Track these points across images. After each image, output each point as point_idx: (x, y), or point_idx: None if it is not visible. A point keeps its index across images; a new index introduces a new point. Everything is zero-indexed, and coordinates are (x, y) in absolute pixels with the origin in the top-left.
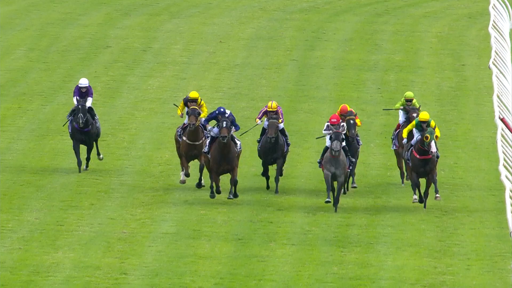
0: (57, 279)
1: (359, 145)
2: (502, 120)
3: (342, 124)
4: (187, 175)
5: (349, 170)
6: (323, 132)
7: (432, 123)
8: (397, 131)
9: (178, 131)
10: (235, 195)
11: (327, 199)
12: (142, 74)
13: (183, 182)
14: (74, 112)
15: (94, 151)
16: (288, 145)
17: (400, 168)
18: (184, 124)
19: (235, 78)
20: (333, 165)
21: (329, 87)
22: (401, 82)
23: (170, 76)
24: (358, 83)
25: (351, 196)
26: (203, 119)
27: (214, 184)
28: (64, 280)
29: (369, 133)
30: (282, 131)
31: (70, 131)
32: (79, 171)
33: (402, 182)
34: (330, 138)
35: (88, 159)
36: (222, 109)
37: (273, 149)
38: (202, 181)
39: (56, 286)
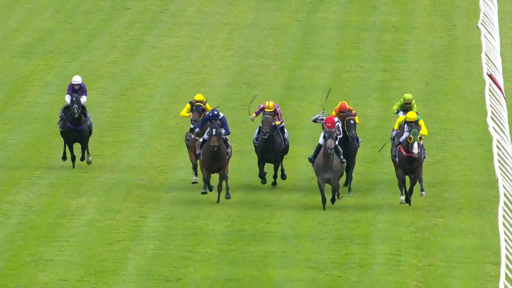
0: (81, 222)
1: (358, 143)
2: (490, 76)
3: (337, 124)
4: (197, 182)
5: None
6: (316, 118)
7: (421, 122)
8: (397, 131)
9: (187, 136)
10: (225, 178)
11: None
12: (159, 34)
13: (197, 181)
14: (67, 109)
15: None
16: (286, 143)
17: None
18: (190, 127)
19: (245, 37)
20: (326, 171)
21: (330, 46)
22: (396, 41)
23: (185, 35)
24: (358, 42)
25: None
26: (199, 122)
27: (206, 179)
28: (87, 222)
29: (367, 88)
30: (282, 130)
31: (61, 128)
32: (73, 166)
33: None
34: (324, 137)
35: (82, 159)
36: (216, 112)
37: (270, 149)
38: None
39: (81, 228)
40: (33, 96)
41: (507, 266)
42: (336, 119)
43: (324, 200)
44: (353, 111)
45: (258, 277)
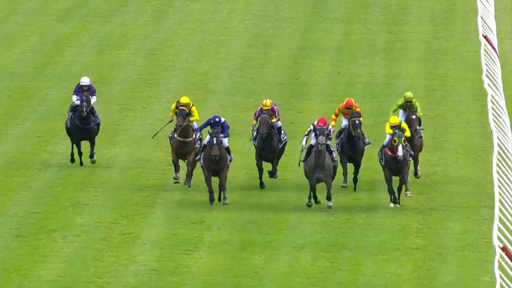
0: (114, 169)
1: (365, 144)
2: (485, 37)
3: (329, 128)
4: (178, 178)
5: (334, 164)
6: (304, 138)
7: (403, 125)
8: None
9: (170, 134)
10: (223, 189)
11: (308, 202)
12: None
13: (177, 179)
14: (75, 109)
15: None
16: (284, 142)
17: (386, 181)
18: (174, 126)
19: (263, 2)
20: (317, 171)
21: (340, 10)
22: (400, 6)
23: (208, 1)
24: (365, 7)
25: (357, 100)
26: (195, 123)
27: (207, 181)
28: (120, 170)
29: (374, 48)
30: (279, 130)
31: (69, 126)
32: (80, 164)
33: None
34: (315, 135)
35: (91, 154)
36: (217, 119)
37: (267, 147)
38: (189, 183)
39: (114, 175)
40: (70, 56)
41: (500, 210)
42: (331, 124)
43: (315, 197)
44: (358, 109)
45: (275, 219)
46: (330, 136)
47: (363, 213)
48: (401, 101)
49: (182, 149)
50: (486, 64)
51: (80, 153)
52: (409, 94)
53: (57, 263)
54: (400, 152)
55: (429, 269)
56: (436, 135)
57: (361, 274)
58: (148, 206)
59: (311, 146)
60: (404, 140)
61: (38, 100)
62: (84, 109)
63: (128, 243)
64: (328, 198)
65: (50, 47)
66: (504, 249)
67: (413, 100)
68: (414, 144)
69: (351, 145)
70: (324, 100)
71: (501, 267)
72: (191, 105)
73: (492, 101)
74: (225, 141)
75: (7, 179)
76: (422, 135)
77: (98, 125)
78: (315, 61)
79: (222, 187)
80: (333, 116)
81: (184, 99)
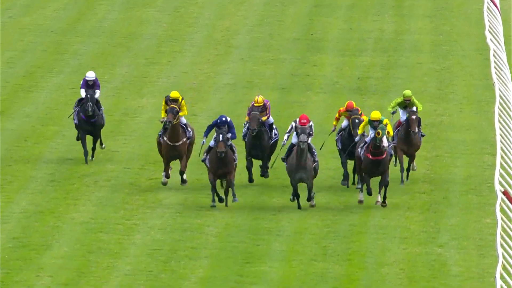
0: (142, 119)
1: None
2: None
3: (310, 124)
4: (167, 176)
5: (316, 164)
6: (285, 135)
7: (385, 121)
8: (397, 129)
9: (159, 136)
10: (234, 198)
11: (291, 199)
12: None
13: (165, 183)
14: (81, 103)
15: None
16: (275, 139)
17: (401, 163)
18: (163, 124)
19: None
20: (299, 171)
21: None
22: None
23: None
24: None
25: (368, 54)
26: (183, 118)
27: (213, 192)
28: (147, 120)
29: (384, 6)
30: (270, 126)
31: (76, 122)
32: (86, 162)
33: (402, 182)
34: (297, 133)
35: (93, 149)
36: (223, 118)
37: (257, 145)
38: (185, 183)
39: (141, 125)
40: (101, 13)
41: (501, 156)
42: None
43: (297, 196)
44: (360, 110)
45: None
46: (311, 134)
47: None
48: (399, 99)
49: (171, 152)
50: (488, 20)
51: (86, 153)
52: (407, 92)
53: (88, 206)
54: (385, 143)
55: (435, 212)
56: (442, 87)
57: (372, 216)
58: None
59: (292, 145)
60: (388, 132)
61: (71, 54)
62: (90, 109)
63: (155, 187)
64: (309, 199)
65: (82, 5)
66: (505, 193)
67: (412, 98)
68: (413, 143)
69: (352, 141)
70: (337, 54)
71: (502, 210)
72: (180, 99)
73: (494, 55)
74: (230, 142)
75: (43, 128)
76: (423, 134)
77: (102, 119)
78: (329, 18)
79: (230, 185)
80: (334, 121)
81: (174, 94)
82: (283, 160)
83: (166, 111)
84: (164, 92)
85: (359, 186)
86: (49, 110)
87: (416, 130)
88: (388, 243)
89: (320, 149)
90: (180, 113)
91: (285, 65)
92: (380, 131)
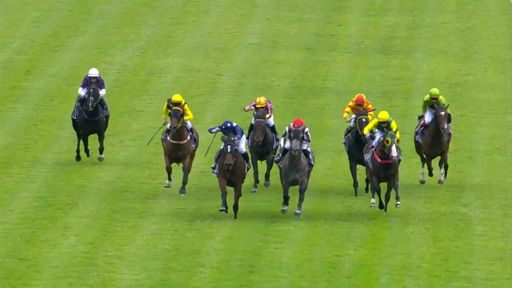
0: (167, 79)
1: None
2: None
3: (306, 130)
4: (170, 186)
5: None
6: (281, 139)
7: (393, 124)
8: (422, 128)
9: (163, 135)
10: (238, 197)
11: (283, 208)
12: None
13: (169, 185)
14: (83, 102)
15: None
16: (277, 140)
17: (420, 154)
18: (168, 128)
19: None
20: (292, 172)
21: None
22: None
23: None
24: None
25: (392, 14)
26: (189, 122)
27: (222, 192)
28: (172, 80)
29: None
30: (272, 128)
31: (75, 117)
32: (87, 154)
33: (422, 182)
34: (289, 137)
35: (101, 149)
36: (228, 124)
37: (262, 145)
38: (183, 191)
39: (167, 84)
40: None
41: None
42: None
43: (287, 198)
44: (370, 105)
45: (316, 125)
46: (307, 140)
47: (399, 119)
48: (426, 97)
49: (176, 152)
50: None
51: (87, 151)
52: (435, 90)
53: (114, 165)
54: (394, 153)
55: (459, 172)
56: (467, 47)
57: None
58: (198, 113)
59: (285, 150)
60: (397, 140)
61: (97, 14)
62: (90, 104)
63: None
64: (299, 204)
65: None
66: None
67: (440, 97)
68: (442, 142)
69: (360, 148)
70: (362, 14)
71: None
72: (183, 102)
73: None
74: (242, 145)
75: (68, 88)
76: (451, 132)
77: (107, 117)
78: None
79: (237, 192)
80: (345, 113)
81: (176, 97)
82: (277, 162)
83: (169, 114)
84: (189, 52)
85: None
86: (75, 70)
87: (446, 126)
88: (413, 202)
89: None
90: (185, 118)
91: (310, 24)
92: (389, 139)
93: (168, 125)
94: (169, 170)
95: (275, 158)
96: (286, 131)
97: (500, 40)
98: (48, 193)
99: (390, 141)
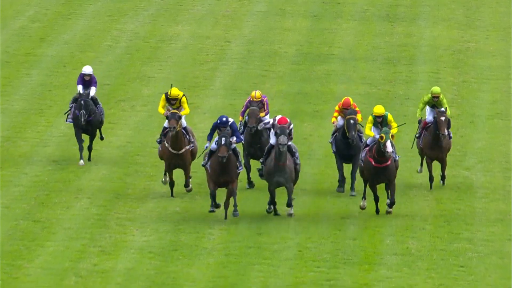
0: (177, 46)
1: (362, 142)
2: None
3: (290, 127)
4: (167, 182)
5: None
6: (263, 124)
7: (390, 118)
8: (422, 130)
9: (158, 140)
10: (235, 212)
11: (268, 209)
12: None
13: (166, 182)
14: (77, 100)
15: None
16: None
17: (430, 171)
18: (164, 127)
19: None
20: (277, 174)
21: None
22: None
23: None
24: None
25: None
26: (184, 122)
27: (212, 194)
28: (182, 46)
29: None
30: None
31: (71, 120)
32: (80, 157)
33: (431, 187)
34: (275, 134)
35: (90, 149)
36: (224, 119)
37: (256, 143)
38: (188, 187)
39: (177, 51)
40: None
41: None
42: (289, 121)
43: (274, 203)
44: (357, 108)
45: (322, 91)
46: (291, 136)
47: (402, 85)
48: (427, 97)
49: (175, 160)
50: None
51: (81, 148)
52: (436, 89)
53: (125, 130)
54: (389, 149)
55: (462, 136)
56: (469, 14)
57: (401, 140)
58: (207, 79)
59: (271, 146)
60: (392, 136)
61: None
62: (82, 119)
63: (190, 112)
64: (289, 205)
65: None
66: None
67: (441, 96)
68: (442, 147)
69: (347, 144)
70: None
71: None
72: (181, 95)
73: None
74: (234, 145)
75: (81, 54)
76: (451, 135)
77: (101, 116)
78: None
79: (232, 193)
80: (333, 118)
81: (174, 91)
82: (262, 163)
83: (167, 117)
84: (199, 20)
85: (353, 193)
86: (87, 37)
87: (446, 132)
88: (416, 165)
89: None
90: (182, 112)
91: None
92: (383, 135)
93: (166, 123)
94: (169, 175)
95: (260, 160)
96: (269, 122)
97: (502, 7)
98: (61, 157)
99: (384, 137)
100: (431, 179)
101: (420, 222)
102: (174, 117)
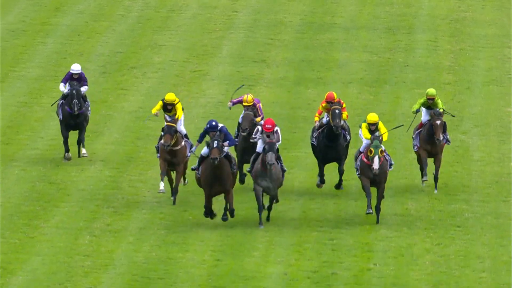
0: (187, 15)
1: (346, 140)
2: None
3: (276, 130)
4: (163, 191)
5: (282, 178)
6: (253, 136)
7: (380, 125)
8: (418, 130)
9: (157, 145)
10: (231, 212)
11: (260, 226)
12: None
13: (162, 191)
14: (66, 97)
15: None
16: None
17: (420, 163)
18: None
19: None
20: (265, 179)
21: None
22: None
23: None
24: None
25: None
26: (182, 127)
27: (207, 205)
28: (191, 16)
29: None
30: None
31: (61, 117)
32: (65, 158)
33: (423, 177)
34: (263, 150)
35: (80, 142)
36: (213, 123)
37: (250, 148)
38: (174, 198)
39: (186, 20)
40: None
41: None
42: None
43: (261, 209)
44: (344, 105)
45: (325, 59)
46: (279, 140)
47: (402, 53)
48: (423, 99)
49: (170, 157)
50: None
51: (67, 149)
52: (431, 91)
53: (137, 96)
54: (376, 165)
55: (459, 101)
56: None
57: (400, 105)
58: (215, 47)
59: (257, 155)
60: (381, 151)
61: None
62: (76, 108)
63: (199, 79)
64: (269, 208)
65: None
66: None
67: (436, 98)
68: (437, 149)
69: (333, 147)
70: None
71: None
72: (176, 101)
73: None
74: (226, 148)
75: (95, 24)
76: (449, 139)
77: (88, 113)
78: None
79: (229, 202)
80: (317, 114)
81: (170, 96)
82: (249, 171)
83: (162, 130)
84: None
85: (370, 210)
86: (101, 7)
87: (441, 137)
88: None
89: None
90: (175, 116)
91: None
92: (372, 149)
93: (161, 141)
94: (163, 173)
95: (247, 169)
96: (257, 130)
97: None
98: None
99: (373, 151)
100: (423, 169)
101: (418, 184)
102: (170, 132)
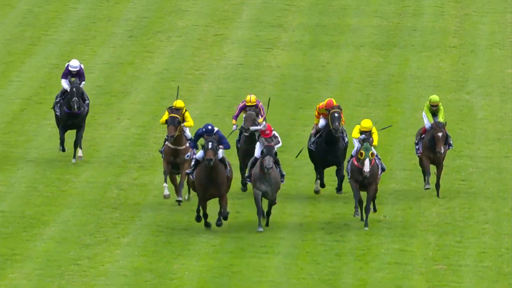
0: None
1: (344, 142)
2: None
3: (274, 134)
4: (168, 196)
5: (282, 181)
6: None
7: (373, 130)
8: (421, 136)
9: (161, 149)
10: (225, 217)
11: (259, 228)
12: None
13: (167, 196)
14: (64, 95)
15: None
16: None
17: (423, 168)
18: (166, 137)
19: None
20: (264, 183)
21: None
22: None
23: None
24: None
25: None
26: (188, 131)
27: (200, 209)
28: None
29: None
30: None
31: (58, 114)
32: (62, 149)
33: (425, 185)
34: (262, 153)
35: (77, 145)
36: (209, 127)
37: (252, 149)
38: (180, 197)
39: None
40: None
41: None
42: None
43: (260, 212)
44: (341, 108)
45: (338, 23)
46: (276, 156)
47: (410, 18)
48: (426, 105)
49: (174, 158)
50: None
51: (63, 149)
52: (434, 97)
53: (162, 58)
54: (366, 168)
55: (464, 64)
56: None
57: (409, 67)
58: (235, 12)
59: (255, 160)
60: (372, 154)
61: None
62: (75, 106)
63: (220, 42)
64: (268, 213)
65: None
66: None
67: (439, 104)
68: (440, 159)
69: (331, 151)
70: None
71: None
72: (184, 109)
73: None
74: (221, 151)
75: None
76: (452, 143)
77: (86, 113)
78: None
79: (223, 208)
80: (315, 119)
81: (179, 103)
82: (247, 177)
83: (166, 121)
84: None
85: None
86: None
87: (442, 150)
88: (423, 91)
89: (296, 157)
90: (186, 124)
91: None
92: (363, 151)
93: (166, 134)
94: (167, 174)
95: (245, 175)
96: (259, 134)
97: None
98: (104, 82)
99: (363, 154)
100: (427, 173)
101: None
102: (173, 123)
